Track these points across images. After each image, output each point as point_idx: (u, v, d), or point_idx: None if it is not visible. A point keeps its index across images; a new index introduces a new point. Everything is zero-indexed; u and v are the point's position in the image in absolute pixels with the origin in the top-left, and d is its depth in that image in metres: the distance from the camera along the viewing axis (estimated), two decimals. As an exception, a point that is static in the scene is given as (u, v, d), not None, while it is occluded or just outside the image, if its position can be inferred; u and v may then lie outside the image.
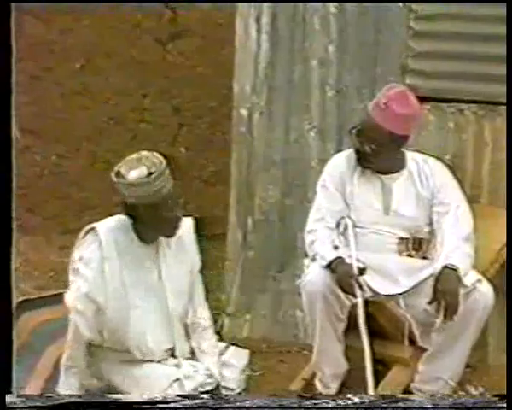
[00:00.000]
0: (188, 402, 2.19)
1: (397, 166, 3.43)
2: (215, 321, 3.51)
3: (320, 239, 3.34)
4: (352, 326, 3.30)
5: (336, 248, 3.28)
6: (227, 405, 2.19)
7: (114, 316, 2.89)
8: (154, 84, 5.04)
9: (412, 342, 3.40)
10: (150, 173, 2.80)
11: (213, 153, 5.05)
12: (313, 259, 3.33)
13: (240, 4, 3.95)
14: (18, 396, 2.19)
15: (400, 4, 3.79)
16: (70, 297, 2.91)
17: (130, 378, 2.93)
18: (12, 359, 2.18)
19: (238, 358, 3.25)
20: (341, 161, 3.47)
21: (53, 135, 4.59)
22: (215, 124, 5.05)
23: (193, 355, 3.10)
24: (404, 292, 3.30)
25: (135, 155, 2.85)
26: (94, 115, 5.05)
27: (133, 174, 2.79)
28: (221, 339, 3.47)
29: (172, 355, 3.06)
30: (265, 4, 3.91)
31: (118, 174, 2.84)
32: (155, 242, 3.00)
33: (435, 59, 3.80)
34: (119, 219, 2.96)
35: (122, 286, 2.90)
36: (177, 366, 2.99)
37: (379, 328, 3.37)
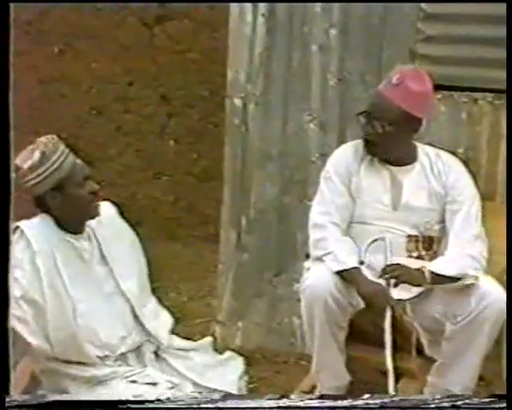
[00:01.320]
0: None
1: (408, 157, 3.34)
2: (205, 329, 3.68)
3: (333, 237, 3.23)
4: (353, 335, 3.23)
5: (362, 263, 3.21)
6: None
7: (57, 315, 2.86)
8: (141, 71, 5.11)
9: (420, 352, 3.30)
10: (43, 153, 2.89)
11: (205, 146, 5.24)
12: (319, 258, 3.22)
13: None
14: (18, 397, 2.20)
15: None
16: None
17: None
18: (9, 359, 2.18)
19: (235, 363, 3.18)
20: (348, 152, 3.38)
21: (28, 126, 4.65)
22: (207, 115, 5.32)
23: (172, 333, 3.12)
24: (413, 297, 3.20)
25: (29, 147, 2.94)
26: (74, 105, 5.07)
27: (28, 162, 2.88)
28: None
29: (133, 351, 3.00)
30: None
31: (15, 170, 2.88)
32: (86, 230, 3.01)
33: (447, 43, 3.74)
34: (45, 216, 2.98)
35: (60, 281, 2.88)
36: (136, 381, 2.92)
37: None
